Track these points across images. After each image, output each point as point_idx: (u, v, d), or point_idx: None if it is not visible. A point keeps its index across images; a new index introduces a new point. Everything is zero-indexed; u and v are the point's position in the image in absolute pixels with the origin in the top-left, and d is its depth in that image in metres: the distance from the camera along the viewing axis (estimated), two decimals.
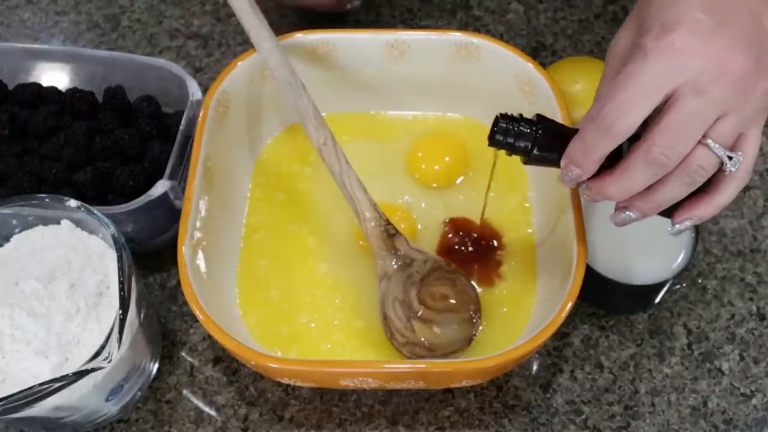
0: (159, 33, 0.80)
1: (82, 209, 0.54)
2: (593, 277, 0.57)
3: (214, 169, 0.59)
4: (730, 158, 0.43)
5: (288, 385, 0.59)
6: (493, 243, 0.62)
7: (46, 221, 0.56)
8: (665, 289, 0.60)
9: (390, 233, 0.57)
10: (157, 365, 0.60)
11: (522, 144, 0.47)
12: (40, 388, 0.46)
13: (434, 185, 0.65)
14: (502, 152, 0.49)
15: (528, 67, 0.61)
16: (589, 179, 0.46)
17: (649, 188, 0.44)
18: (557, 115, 0.59)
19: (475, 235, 0.62)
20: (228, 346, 0.50)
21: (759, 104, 0.43)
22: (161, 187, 0.58)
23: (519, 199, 0.64)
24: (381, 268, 0.57)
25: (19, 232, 0.56)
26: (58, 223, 0.56)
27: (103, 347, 0.47)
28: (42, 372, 0.49)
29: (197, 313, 0.50)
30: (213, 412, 0.58)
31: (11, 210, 0.55)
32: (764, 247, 0.66)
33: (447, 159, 0.66)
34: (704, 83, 0.41)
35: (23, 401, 0.46)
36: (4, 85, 0.68)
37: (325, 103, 0.58)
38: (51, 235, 0.55)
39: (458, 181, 0.65)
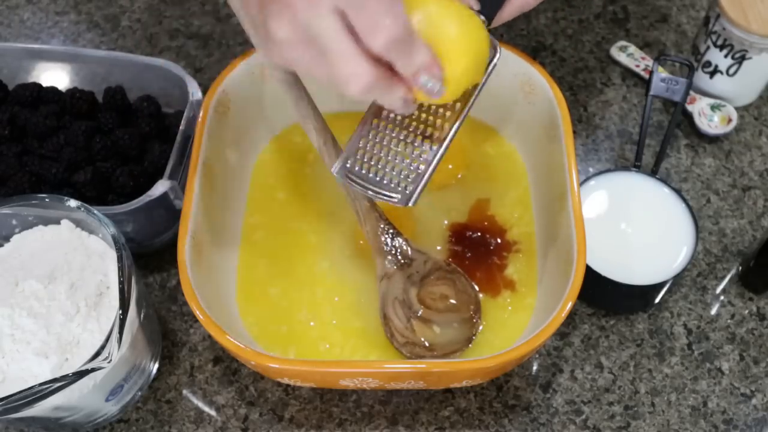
0: (159, 33, 0.80)
1: (82, 209, 0.54)
2: (593, 277, 0.57)
3: (214, 169, 0.59)
4: None
5: (288, 385, 0.59)
6: (497, 241, 0.62)
7: (46, 221, 0.56)
8: (665, 289, 0.60)
9: (390, 233, 0.57)
10: (157, 365, 0.60)
11: None
12: (40, 388, 0.46)
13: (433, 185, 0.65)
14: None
15: (528, 67, 0.61)
16: None
17: None
18: (557, 116, 0.58)
19: (478, 234, 0.62)
20: (228, 347, 0.50)
21: None
22: (161, 187, 0.58)
23: (519, 199, 0.64)
24: (381, 268, 0.57)
25: (19, 232, 0.56)
26: (58, 223, 0.56)
27: (103, 347, 0.47)
28: (42, 372, 0.49)
29: (197, 313, 0.50)
30: (213, 412, 0.58)
31: (11, 210, 0.55)
32: None
33: (445, 159, 0.65)
34: None
35: (23, 401, 0.46)
36: (4, 85, 0.68)
37: (325, 103, 0.58)
38: (51, 235, 0.55)
39: (456, 180, 0.65)
